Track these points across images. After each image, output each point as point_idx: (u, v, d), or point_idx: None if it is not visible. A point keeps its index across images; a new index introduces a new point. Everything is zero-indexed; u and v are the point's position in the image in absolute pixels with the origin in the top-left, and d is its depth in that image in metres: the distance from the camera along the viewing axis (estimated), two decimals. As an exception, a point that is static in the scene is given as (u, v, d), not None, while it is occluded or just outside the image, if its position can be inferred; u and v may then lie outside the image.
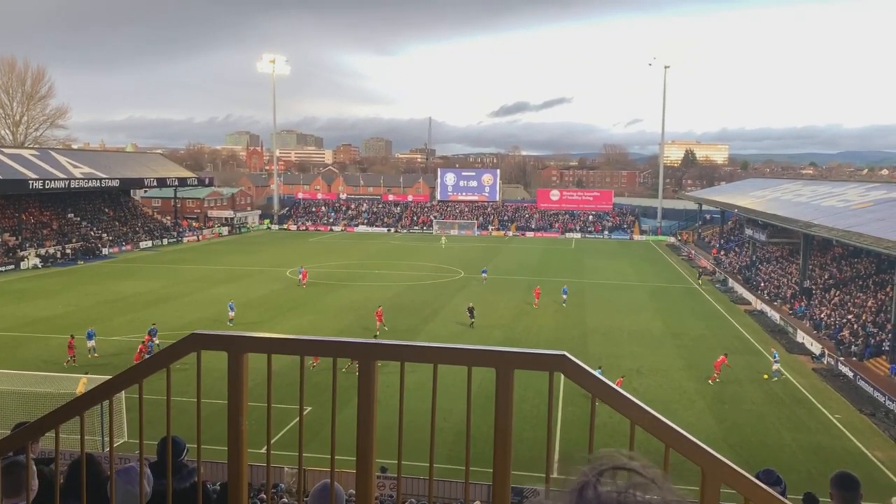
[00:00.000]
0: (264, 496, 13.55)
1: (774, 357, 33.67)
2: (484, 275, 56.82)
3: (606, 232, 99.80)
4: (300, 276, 53.94)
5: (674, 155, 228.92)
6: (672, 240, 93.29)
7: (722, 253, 73.16)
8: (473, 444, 2.40)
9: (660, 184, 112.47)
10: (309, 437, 2.63)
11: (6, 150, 74.99)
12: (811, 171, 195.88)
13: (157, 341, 32.91)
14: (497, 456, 2.15)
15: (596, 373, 2.11)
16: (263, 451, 2.79)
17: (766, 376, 32.34)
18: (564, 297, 47.49)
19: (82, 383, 23.56)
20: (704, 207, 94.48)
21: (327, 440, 2.41)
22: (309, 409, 23.80)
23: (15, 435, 2.57)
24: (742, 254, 69.96)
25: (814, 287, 49.49)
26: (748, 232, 67.13)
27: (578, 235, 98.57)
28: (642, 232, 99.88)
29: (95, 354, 32.54)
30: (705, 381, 31.28)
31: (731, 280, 58.94)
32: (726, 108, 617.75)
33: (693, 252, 79.34)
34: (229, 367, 2.31)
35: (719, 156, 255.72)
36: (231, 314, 39.95)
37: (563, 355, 2.08)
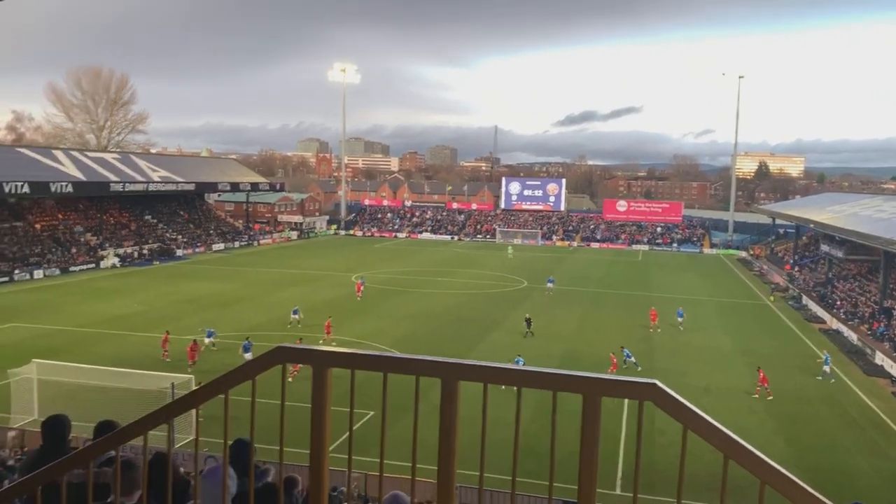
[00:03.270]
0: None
1: (826, 359, 34.00)
2: (550, 284, 56.18)
3: (675, 244, 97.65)
4: (356, 288, 51.85)
5: (746, 167, 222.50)
6: (743, 254, 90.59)
7: (796, 269, 70.59)
8: (532, 461, 2.35)
9: (732, 196, 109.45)
10: (370, 444, 2.65)
11: (90, 154, 78.62)
12: (893, 186, 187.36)
13: (210, 341, 34.68)
14: (582, 483, 2.10)
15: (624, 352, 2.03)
16: (338, 456, 2.87)
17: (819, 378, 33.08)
18: (680, 319, 43.98)
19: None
20: (778, 221, 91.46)
21: (388, 447, 2.39)
22: (371, 413, 24.02)
23: (109, 438, 2.65)
24: (817, 270, 67.35)
25: (894, 307, 47.20)
26: (824, 248, 64.56)
27: (646, 247, 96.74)
28: (712, 245, 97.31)
29: (214, 348, 34.61)
30: (775, 401, 30.17)
31: (804, 297, 56.78)
32: (802, 119, 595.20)
33: (765, 267, 76.84)
34: (313, 381, 2.33)
35: (794, 168, 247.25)
36: (294, 317, 40.80)
37: (654, 384, 2.02)
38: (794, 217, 78.70)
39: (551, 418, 2.17)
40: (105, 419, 5.63)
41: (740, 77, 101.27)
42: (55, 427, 5.52)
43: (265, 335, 37.35)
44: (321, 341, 36.75)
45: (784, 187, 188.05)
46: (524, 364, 29.80)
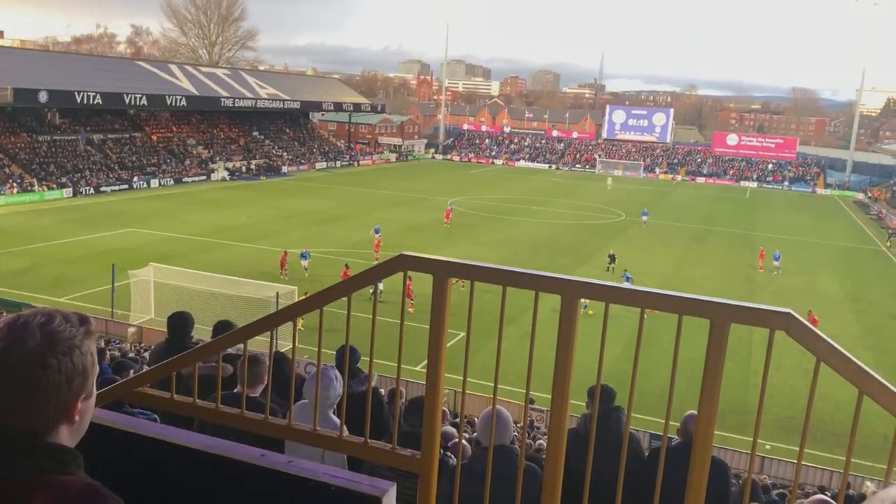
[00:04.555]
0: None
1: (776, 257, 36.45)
2: (644, 217, 54.77)
3: (786, 183, 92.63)
4: (444, 215, 50.29)
5: (872, 103, 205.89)
6: (860, 196, 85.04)
7: (921, 215, 65.82)
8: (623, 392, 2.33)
9: (853, 134, 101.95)
10: (458, 363, 2.71)
11: (203, 69, 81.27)
12: None
13: (305, 264, 33.83)
14: (702, 412, 2.07)
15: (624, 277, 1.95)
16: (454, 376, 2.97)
17: None
18: (777, 262, 41.09)
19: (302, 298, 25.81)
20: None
21: (481, 366, 2.41)
22: (461, 334, 24.30)
23: (237, 332, 2.81)
24: (946, 218, 62.57)
25: None
26: (957, 194, 59.66)
27: (755, 185, 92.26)
28: (827, 185, 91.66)
29: (306, 274, 33.59)
30: (885, 351, 28.76)
31: (928, 246, 53.07)
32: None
33: (884, 211, 71.99)
34: (434, 289, 2.37)
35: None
36: (377, 236, 39.20)
37: (789, 313, 1.94)
38: (924, 159, 72.89)
39: (674, 345, 2.14)
40: (222, 319, 6.07)
41: (874, 3, 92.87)
42: (181, 323, 6.00)
43: (362, 252, 38.34)
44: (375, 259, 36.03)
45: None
46: (632, 280, 29.60)
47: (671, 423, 2.38)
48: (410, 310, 20.76)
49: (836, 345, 1.94)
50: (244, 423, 2.72)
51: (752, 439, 2.19)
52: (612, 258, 39.08)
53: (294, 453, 3.09)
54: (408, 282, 2.48)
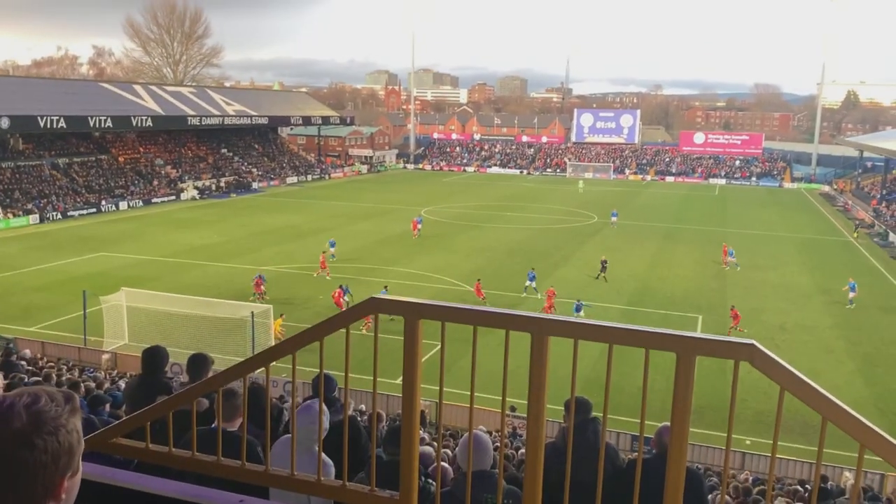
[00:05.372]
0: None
1: (851, 287, 34.16)
2: (614, 218, 55.29)
3: (754, 178, 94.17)
4: (411, 226, 49.35)
5: (833, 96, 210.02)
6: (827, 189, 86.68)
7: (883, 204, 67.21)
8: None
9: (816, 127, 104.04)
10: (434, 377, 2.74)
11: (168, 88, 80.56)
12: None
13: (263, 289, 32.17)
14: (674, 442, 2.12)
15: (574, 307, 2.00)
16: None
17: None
18: (733, 259, 41.75)
19: (278, 323, 25.83)
20: (866, 154, 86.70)
21: (459, 376, 2.40)
22: (437, 347, 24.31)
23: (212, 379, 2.81)
24: (909, 207, 63.95)
25: None
26: (918, 183, 61.06)
27: (723, 181, 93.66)
28: (794, 179, 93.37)
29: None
30: (856, 342, 29.29)
31: (891, 234, 54.20)
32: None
33: (850, 203, 73.48)
34: (405, 331, 2.39)
35: (888, 97, 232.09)
36: (331, 250, 40.19)
37: (752, 345, 1.99)
38: (884, 150, 74.43)
39: (643, 376, 2.18)
40: (198, 352, 6.03)
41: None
42: (154, 357, 5.95)
43: (339, 267, 38.19)
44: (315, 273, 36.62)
45: (874, 118, 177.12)
46: (584, 308, 29.66)
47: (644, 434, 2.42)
48: (366, 331, 20.09)
49: (798, 373, 1.99)
50: (221, 471, 2.71)
51: (727, 436, 2.24)
52: (604, 265, 37.95)
53: (280, 496, 3.09)
54: (338, 292, 2.49)
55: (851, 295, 34.08)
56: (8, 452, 1.44)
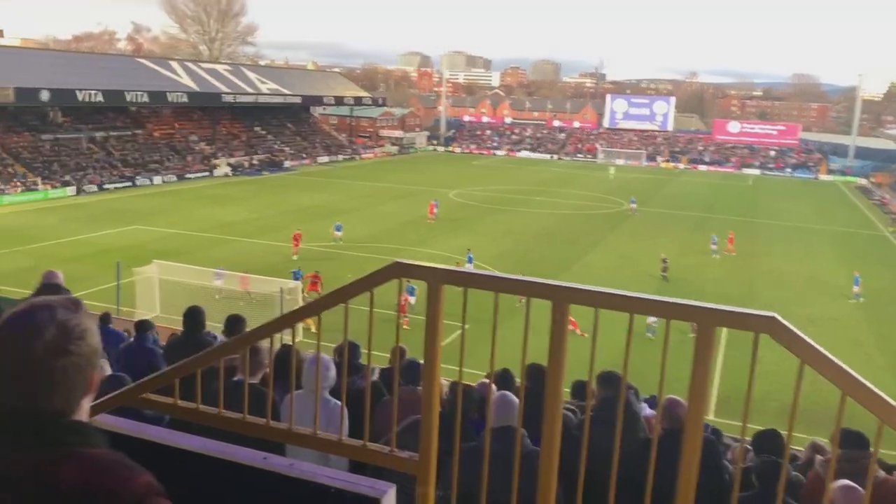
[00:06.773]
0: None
1: (855, 281, 33.40)
2: (633, 205, 54.83)
3: (789, 170, 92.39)
4: (428, 210, 48.45)
5: (874, 88, 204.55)
6: (863, 182, 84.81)
7: (924, 200, 65.65)
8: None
9: (855, 119, 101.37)
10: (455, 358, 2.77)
11: (203, 65, 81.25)
12: None
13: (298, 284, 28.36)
14: (690, 416, 2.13)
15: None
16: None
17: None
18: (714, 246, 41.02)
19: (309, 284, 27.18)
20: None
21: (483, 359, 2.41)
22: (459, 331, 24.38)
23: (246, 336, 2.89)
24: (949, 202, 62.39)
25: None
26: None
27: (757, 172, 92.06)
28: (829, 171, 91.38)
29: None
30: (887, 336, 28.76)
31: (932, 231, 52.98)
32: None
33: (887, 197, 71.84)
34: (428, 296, 2.43)
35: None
36: (337, 234, 39.61)
37: (773, 317, 2.00)
38: (928, 143, 72.63)
39: (663, 347, 2.19)
40: (234, 314, 6.37)
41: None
42: (195, 316, 6.27)
43: (366, 246, 38.42)
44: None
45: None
46: (472, 259, 30.46)
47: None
48: (406, 326, 19.92)
49: (818, 347, 1.99)
50: (246, 429, 2.79)
51: (741, 423, 2.26)
52: (665, 264, 35.21)
53: (296, 454, 3.17)
54: (404, 297, 2.53)
55: (855, 289, 33.31)
56: (48, 362, 1.58)
